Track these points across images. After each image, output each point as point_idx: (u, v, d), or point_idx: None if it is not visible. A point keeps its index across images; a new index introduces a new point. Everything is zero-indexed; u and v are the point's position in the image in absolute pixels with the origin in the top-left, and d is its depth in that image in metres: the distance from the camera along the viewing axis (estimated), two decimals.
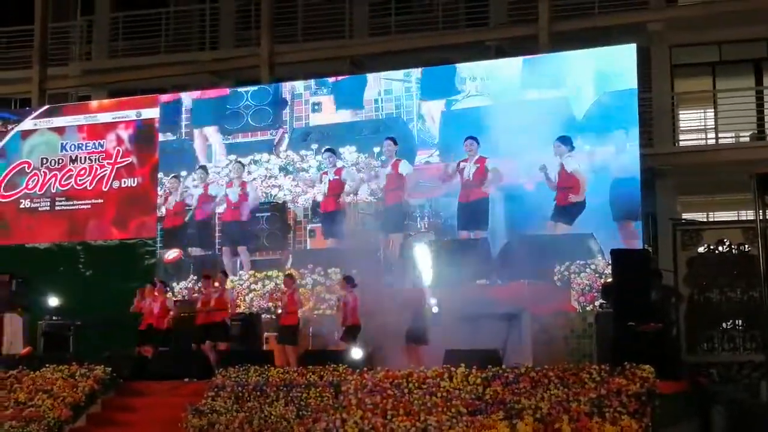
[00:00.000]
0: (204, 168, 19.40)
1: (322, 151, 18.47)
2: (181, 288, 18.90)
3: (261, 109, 19.31)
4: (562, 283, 16.37)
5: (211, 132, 19.60)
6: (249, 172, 18.99)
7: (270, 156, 18.94)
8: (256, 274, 18.46)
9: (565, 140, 16.78)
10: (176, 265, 19.26)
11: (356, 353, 14.06)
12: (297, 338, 15.66)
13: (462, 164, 17.39)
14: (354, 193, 18.08)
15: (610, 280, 14.99)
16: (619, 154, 16.53)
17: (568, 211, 16.71)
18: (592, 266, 16.27)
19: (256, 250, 18.76)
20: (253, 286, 18.35)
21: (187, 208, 19.43)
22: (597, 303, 15.78)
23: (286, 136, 18.94)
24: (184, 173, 19.61)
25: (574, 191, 16.72)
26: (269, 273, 18.36)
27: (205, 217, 19.26)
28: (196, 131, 19.67)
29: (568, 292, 16.28)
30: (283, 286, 16.42)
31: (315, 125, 18.80)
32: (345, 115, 18.62)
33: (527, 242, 16.53)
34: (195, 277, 18.72)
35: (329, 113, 18.73)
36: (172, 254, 19.38)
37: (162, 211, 19.62)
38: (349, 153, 18.28)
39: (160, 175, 19.80)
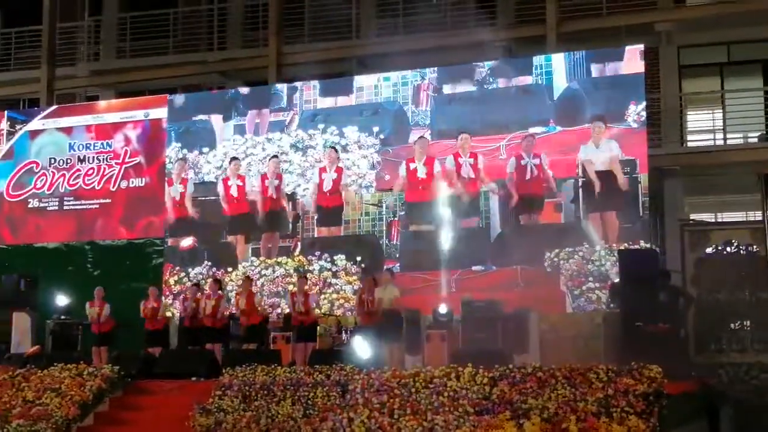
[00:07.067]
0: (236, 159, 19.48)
1: (325, 149, 18.83)
2: (195, 274, 19.09)
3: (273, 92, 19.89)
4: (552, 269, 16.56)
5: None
6: (263, 149, 19.36)
7: (282, 135, 19.27)
8: (267, 260, 18.67)
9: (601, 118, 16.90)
10: (190, 253, 19.43)
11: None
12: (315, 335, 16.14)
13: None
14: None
15: (617, 280, 15.02)
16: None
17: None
18: (580, 253, 16.44)
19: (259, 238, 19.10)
20: (263, 272, 18.60)
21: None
22: (584, 286, 16.06)
23: (296, 117, 19.32)
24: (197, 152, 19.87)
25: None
26: (279, 260, 18.60)
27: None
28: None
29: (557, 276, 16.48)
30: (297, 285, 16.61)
31: (321, 108, 19.29)
32: (347, 99, 19.22)
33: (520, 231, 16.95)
34: (209, 263, 19.08)
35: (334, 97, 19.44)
36: (186, 242, 19.52)
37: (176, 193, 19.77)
38: (351, 132, 18.78)
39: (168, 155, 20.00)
